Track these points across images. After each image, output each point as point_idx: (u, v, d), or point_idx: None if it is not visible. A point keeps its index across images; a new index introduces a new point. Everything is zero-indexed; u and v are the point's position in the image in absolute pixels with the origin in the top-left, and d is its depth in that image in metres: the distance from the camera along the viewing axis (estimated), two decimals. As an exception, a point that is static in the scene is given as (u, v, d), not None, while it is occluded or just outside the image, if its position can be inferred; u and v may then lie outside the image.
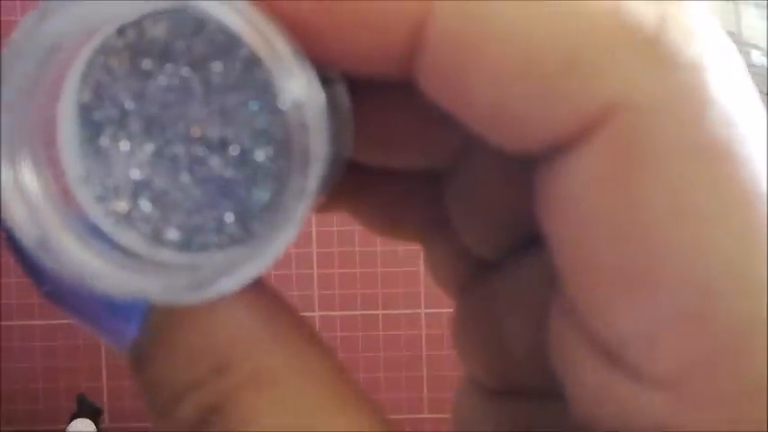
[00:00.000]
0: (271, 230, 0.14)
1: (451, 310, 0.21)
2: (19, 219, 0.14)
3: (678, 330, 0.13)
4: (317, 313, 0.71)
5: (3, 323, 0.69)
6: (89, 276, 0.14)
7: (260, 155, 0.15)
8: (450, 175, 0.19)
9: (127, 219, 0.15)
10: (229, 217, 0.16)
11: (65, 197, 0.15)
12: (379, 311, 0.72)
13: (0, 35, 0.64)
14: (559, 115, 0.13)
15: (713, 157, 0.13)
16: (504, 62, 0.13)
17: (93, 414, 0.68)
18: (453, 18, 0.14)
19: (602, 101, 0.13)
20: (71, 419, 0.68)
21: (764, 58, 0.58)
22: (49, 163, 0.15)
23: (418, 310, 0.72)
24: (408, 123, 0.18)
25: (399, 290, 0.71)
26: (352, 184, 0.19)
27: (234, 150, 0.15)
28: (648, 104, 0.13)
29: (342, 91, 0.16)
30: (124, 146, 0.15)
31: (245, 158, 0.15)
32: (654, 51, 0.13)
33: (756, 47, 0.58)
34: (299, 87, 0.14)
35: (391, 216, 0.21)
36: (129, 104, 0.15)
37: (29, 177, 0.14)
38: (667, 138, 0.13)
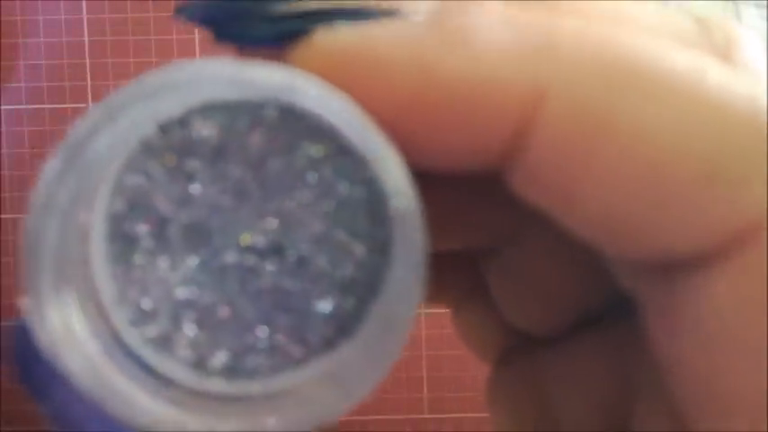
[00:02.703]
0: (370, 350, 0.12)
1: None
2: (73, 366, 0.12)
3: None
4: (317, 313, 0.71)
5: (2, 323, 0.69)
6: (133, 412, 0.12)
7: (323, 261, 0.14)
8: (495, 252, 0.18)
9: (166, 345, 0.14)
10: (285, 333, 0.14)
11: (104, 322, 0.13)
12: (379, 311, 0.72)
13: (0, 35, 0.64)
14: (692, 230, 0.12)
15: None
16: (626, 169, 0.12)
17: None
18: (566, 117, 0.12)
19: (744, 217, 0.12)
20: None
21: (764, 59, 0.58)
22: (87, 288, 0.13)
23: (418, 311, 0.72)
24: (453, 209, 0.16)
25: (399, 290, 0.71)
26: None
27: (291, 257, 0.14)
28: None
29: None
30: (162, 261, 0.14)
31: (304, 266, 0.14)
32: None
33: (756, 47, 0.58)
34: (406, 188, 0.12)
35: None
36: (169, 212, 0.13)
37: (72, 311, 0.13)
38: None
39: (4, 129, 0.63)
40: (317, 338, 0.14)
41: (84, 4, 0.64)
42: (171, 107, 0.13)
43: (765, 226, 0.12)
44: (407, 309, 0.13)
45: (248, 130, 0.13)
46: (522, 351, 0.19)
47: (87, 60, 0.64)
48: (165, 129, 0.13)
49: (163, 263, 0.14)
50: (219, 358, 0.14)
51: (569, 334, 0.17)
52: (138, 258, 0.14)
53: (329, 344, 0.14)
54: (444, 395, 0.72)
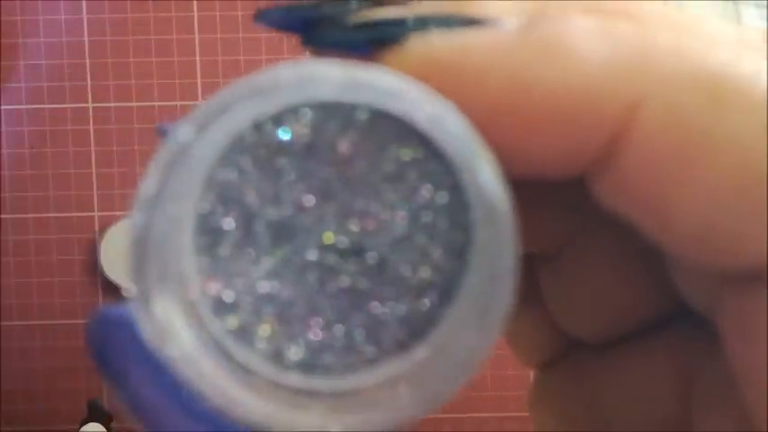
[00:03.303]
0: (456, 353, 0.13)
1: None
2: (174, 355, 0.13)
3: None
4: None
5: (3, 323, 0.69)
6: (227, 402, 0.13)
7: (401, 263, 0.14)
8: (551, 257, 0.18)
9: (246, 336, 0.14)
10: (360, 333, 0.14)
11: (195, 313, 0.14)
12: (379, 311, 0.72)
13: (0, 35, 0.64)
14: None
15: None
16: (725, 181, 0.12)
17: (105, 419, 0.68)
18: (664, 128, 0.12)
19: None
20: (81, 424, 0.68)
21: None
22: (181, 279, 0.14)
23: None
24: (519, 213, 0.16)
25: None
26: None
27: (371, 258, 0.14)
28: None
29: None
30: (246, 255, 0.14)
31: (382, 267, 0.14)
32: None
33: (756, 47, 0.58)
34: (502, 193, 0.12)
35: None
36: (257, 207, 0.14)
37: (172, 303, 0.13)
38: None
39: (4, 129, 0.63)
40: (390, 340, 0.14)
41: (84, 4, 0.64)
42: (272, 106, 0.13)
43: None
44: (495, 315, 0.13)
45: (339, 131, 0.14)
46: (572, 355, 0.19)
47: (87, 60, 0.64)
48: (258, 126, 0.14)
49: (246, 256, 0.14)
50: (296, 353, 0.14)
51: (622, 340, 0.18)
52: (224, 251, 0.14)
53: (402, 346, 0.14)
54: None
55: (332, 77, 0.12)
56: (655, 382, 0.17)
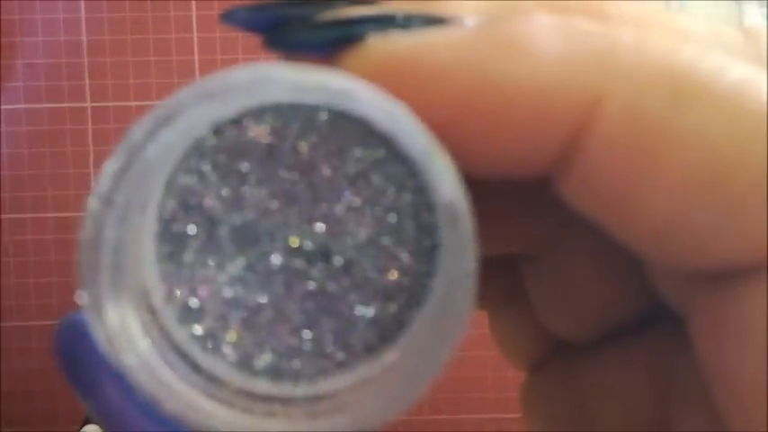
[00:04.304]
0: (420, 359, 0.13)
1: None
2: (128, 362, 0.13)
3: None
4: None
5: (2, 324, 0.69)
6: (184, 409, 0.13)
7: (369, 266, 0.14)
8: (534, 258, 0.18)
9: (212, 343, 0.14)
10: (329, 337, 0.14)
11: (155, 320, 0.13)
12: (379, 312, 0.72)
13: (0, 35, 0.64)
14: (748, 240, 0.12)
15: None
16: (688, 177, 0.12)
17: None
18: (625, 124, 0.12)
19: None
20: (83, 425, 0.68)
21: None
22: (140, 286, 0.13)
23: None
24: (494, 215, 0.16)
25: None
26: None
27: (337, 261, 0.14)
28: None
29: None
30: (211, 261, 0.14)
31: (349, 270, 0.14)
32: None
33: (759, 46, 0.58)
34: (459, 194, 0.12)
35: None
36: (219, 213, 0.14)
37: (127, 309, 0.13)
38: None
39: (1, 128, 0.63)
40: (359, 343, 0.14)
41: (82, 3, 0.64)
42: (228, 109, 0.13)
43: None
44: (457, 317, 0.13)
45: (300, 134, 0.13)
46: (559, 356, 0.19)
47: (85, 59, 0.64)
48: (218, 130, 0.13)
49: (211, 263, 0.14)
50: (264, 359, 0.14)
51: (606, 341, 0.17)
52: (188, 257, 0.14)
53: (372, 349, 0.14)
54: (444, 395, 0.72)
55: (283, 79, 0.12)
56: (635, 382, 0.17)
